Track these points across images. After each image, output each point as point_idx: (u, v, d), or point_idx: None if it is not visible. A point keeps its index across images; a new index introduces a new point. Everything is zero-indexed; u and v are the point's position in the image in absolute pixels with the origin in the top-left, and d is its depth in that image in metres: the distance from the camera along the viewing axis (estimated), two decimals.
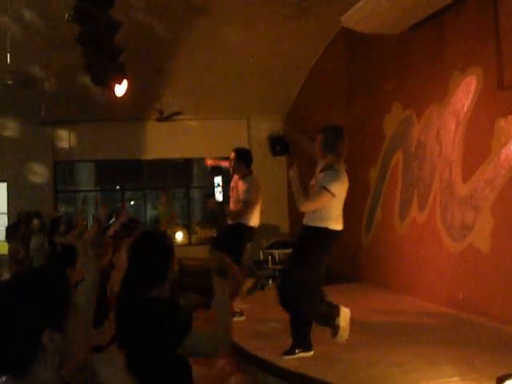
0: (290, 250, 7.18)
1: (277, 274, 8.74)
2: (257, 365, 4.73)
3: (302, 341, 4.46)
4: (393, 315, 6.08)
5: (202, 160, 14.18)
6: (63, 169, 12.76)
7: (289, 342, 4.52)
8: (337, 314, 4.43)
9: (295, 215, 9.77)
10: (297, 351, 4.44)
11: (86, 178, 15.60)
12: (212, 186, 15.63)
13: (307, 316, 4.47)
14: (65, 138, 11.67)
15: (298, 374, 4.12)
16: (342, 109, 8.99)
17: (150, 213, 18.19)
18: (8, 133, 10.96)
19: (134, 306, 2.42)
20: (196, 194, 17.58)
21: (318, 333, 4.51)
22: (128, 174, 14.72)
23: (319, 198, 4.37)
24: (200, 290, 9.95)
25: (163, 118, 11.06)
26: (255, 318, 6.31)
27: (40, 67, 9.08)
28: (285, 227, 11.93)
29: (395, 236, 7.45)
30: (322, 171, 4.50)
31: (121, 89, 6.93)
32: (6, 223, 11.49)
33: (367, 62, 8.19)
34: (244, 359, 4.96)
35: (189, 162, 13.94)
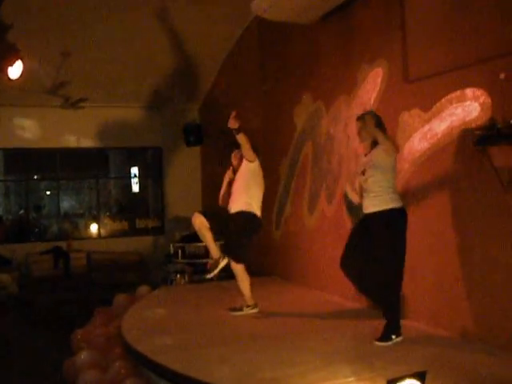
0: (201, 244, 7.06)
1: (185, 268, 8.50)
2: (151, 368, 4.45)
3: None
4: (299, 310, 5.99)
5: (116, 149, 13.78)
6: None
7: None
8: None
9: (208, 207, 9.58)
10: (393, 337, 4.44)
11: None
12: (129, 177, 15.17)
13: None
14: None
15: (187, 377, 3.88)
16: (256, 99, 8.82)
17: (65, 204, 17.44)
18: None
19: None
20: (112, 185, 16.98)
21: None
22: (41, 163, 13.93)
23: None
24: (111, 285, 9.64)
25: (70, 105, 10.45)
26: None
27: None
28: None
29: (304, 230, 7.37)
30: (367, 154, 4.75)
31: (15, 71, 6.40)
32: None
33: (279, 51, 8.03)
34: (140, 362, 4.68)
35: (103, 151, 13.37)
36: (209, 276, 5.87)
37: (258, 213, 5.75)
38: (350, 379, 3.71)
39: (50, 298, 9.43)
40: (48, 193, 17.82)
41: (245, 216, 5.68)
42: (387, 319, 4.49)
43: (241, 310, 5.83)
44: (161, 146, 12.24)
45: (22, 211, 13.80)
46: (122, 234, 12.60)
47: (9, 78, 6.33)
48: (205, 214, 5.68)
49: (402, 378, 3.01)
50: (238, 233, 5.69)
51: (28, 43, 7.19)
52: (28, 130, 11.25)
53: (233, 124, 5.39)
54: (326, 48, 6.83)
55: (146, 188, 14.63)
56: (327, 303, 6.31)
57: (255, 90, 8.86)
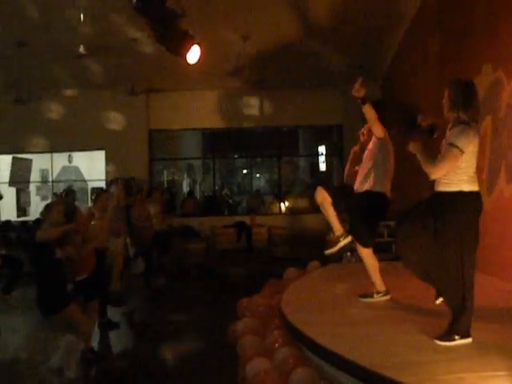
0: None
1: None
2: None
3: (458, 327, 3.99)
4: None
5: (304, 128, 14.12)
6: (162, 137, 13.12)
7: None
8: None
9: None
10: (456, 337, 3.96)
11: (191, 145, 16.02)
12: (316, 155, 15.44)
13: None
14: (159, 107, 11.99)
15: (333, 353, 3.90)
16: (435, 73, 8.36)
17: (256, 181, 18.44)
18: (105, 103, 11.44)
19: None
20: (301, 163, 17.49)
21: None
22: (236, 143, 14.88)
23: (449, 157, 3.86)
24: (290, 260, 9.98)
25: (252, 86, 10.95)
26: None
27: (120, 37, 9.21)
28: None
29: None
30: (450, 129, 4.04)
31: (192, 56, 6.88)
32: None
33: (459, 20, 7.48)
34: (309, 350, 4.52)
35: (293, 130, 13.84)
36: (328, 252, 5.51)
37: (387, 193, 5.31)
38: (501, 373, 3.40)
39: (231, 269, 10.09)
40: (244, 171, 18.99)
41: (372, 196, 5.24)
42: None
43: (371, 296, 5.45)
44: (342, 124, 12.25)
45: (217, 188, 14.87)
46: (305, 211, 12.90)
47: (188, 63, 6.80)
48: (329, 189, 5.39)
49: None
50: (365, 214, 5.26)
51: (208, 28, 7.71)
52: (218, 112, 12.06)
53: (357, 92, 4.80)
54: (509, 14, 6.19)
55: (331, 166, 14.79)
56: (500, 291, 5.80)
57: (433, 64, 8.40)
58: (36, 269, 5.15)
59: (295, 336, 4.80)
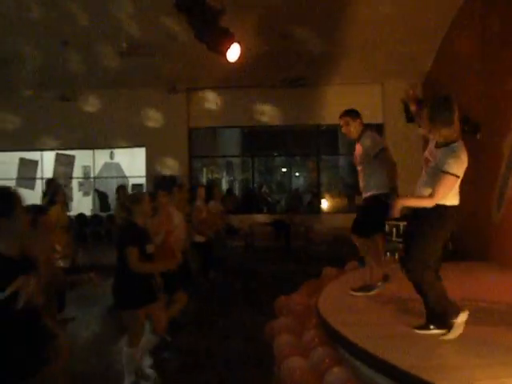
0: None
1: (397, 247, 8.30)
2: (361, 358, 4.18)
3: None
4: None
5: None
6: (201, 134, 13.19)
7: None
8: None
9: None
10: (431, 327, 4.19)
11: (231, 143, 16.09)
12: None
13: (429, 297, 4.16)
14: (199, 105, 12.07)
15: (364, 351, 3.84)
16: (477, 71, 8.17)
17: (295, 180, 18.38)
18: (146, 101, 11.58)
19: None
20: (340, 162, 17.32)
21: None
22: (276, 141, 14.87)
23: (446, 185, 3.93)
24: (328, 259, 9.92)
25: (290, 84, 10.92)
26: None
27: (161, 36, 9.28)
28: None
29: None
30: (438, 147, 4.06)
31: (232, 54, 6.89)
32: (144, 186, 12.35)
33: (501, 20, 7.29)
34: (346, 350, 4.46)
35: (331, 129, 13.68)
36: (356, 293, 5.70)
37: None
38: None
39: (269, 267, 10.07)
40: (283, 170, 18.97)
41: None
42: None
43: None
44: (382, 123, 12.08)
45: (255, 185, 14.87)
46: (343, 210, 12.79)
47: (228, 61, 6.81)
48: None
49: None
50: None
51: (248, 26, 7.72)
52: (257, 110, 12.06)
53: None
54: None
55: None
56: None
57: (475, 62, 8.20)
58: (120, 263, 4.78)
59: (332, 336, 4.76)
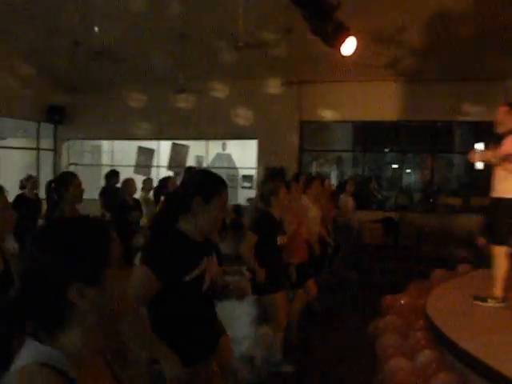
0: None
1: None
2: (470, 365, 4.00)
3: None
4: None
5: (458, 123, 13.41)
6: (312, 128, 13.17)
7: None
8: None
9: None
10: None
11: (342, 138, 15.95)
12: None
13: None
14: (311, 98, 12.04)
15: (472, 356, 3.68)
16: None
17: (406, 177, 17.89)
18: (258, 93, 11.72)
19: None
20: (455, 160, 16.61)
21: None
22: (385, 136, 14.56)
23: None
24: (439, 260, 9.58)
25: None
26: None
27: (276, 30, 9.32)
28: None
29: None
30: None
31: (347, 48, 6.81)
32: (255, 177, 12.58)
33: None
34: (454, 355, 4.31)
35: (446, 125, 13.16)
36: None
37: None
38: None
39: (376, 265, 9.91)
40: (394, 166, 18.50)
41: None
42: None
43: (485, 300, 5.16)
44: None
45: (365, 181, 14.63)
46: (457, 210, 12.26)
47: (342, 55, 6.75)
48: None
49: None
50: None
51: (363, 19, 7.60)
52: (370, 104, 11.83)
53: None
54: None
55: (489, 164, 13.88)
56: None
57: None
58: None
59: (440, 339, 4.62)
